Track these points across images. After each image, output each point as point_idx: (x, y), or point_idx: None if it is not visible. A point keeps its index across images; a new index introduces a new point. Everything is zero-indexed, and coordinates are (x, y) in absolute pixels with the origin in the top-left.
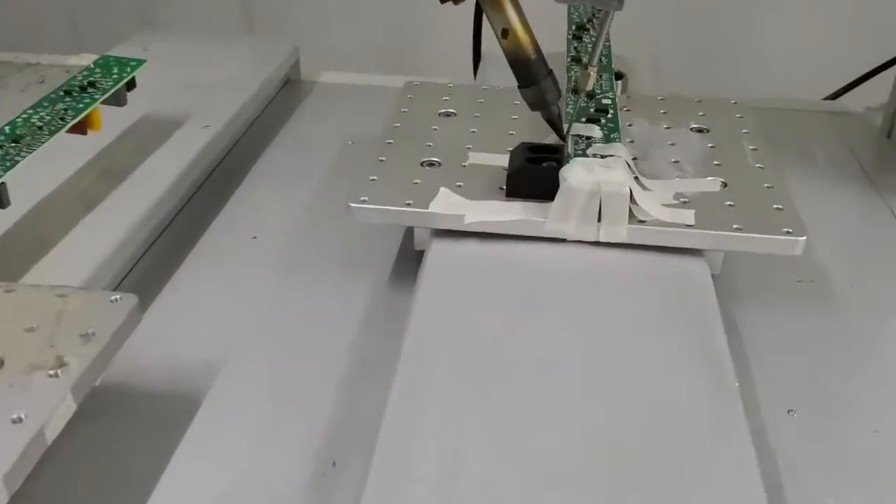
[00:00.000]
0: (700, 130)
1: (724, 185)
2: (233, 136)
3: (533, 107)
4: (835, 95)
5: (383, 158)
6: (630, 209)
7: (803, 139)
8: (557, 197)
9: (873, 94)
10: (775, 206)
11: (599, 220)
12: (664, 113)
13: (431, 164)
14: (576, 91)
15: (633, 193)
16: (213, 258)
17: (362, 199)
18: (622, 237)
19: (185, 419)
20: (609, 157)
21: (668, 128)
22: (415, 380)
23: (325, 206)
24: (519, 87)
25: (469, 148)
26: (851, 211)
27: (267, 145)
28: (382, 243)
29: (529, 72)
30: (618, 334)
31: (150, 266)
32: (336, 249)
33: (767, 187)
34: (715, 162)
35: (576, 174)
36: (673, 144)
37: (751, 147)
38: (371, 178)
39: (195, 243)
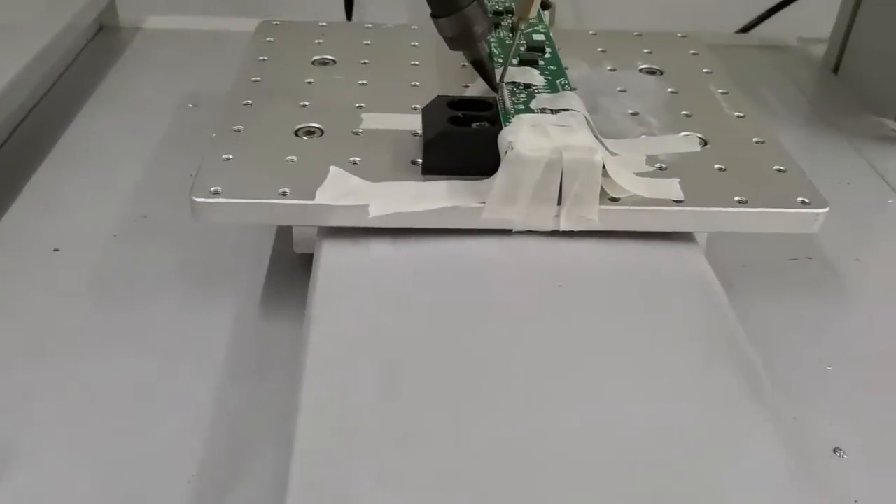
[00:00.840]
0: (652, 72)
1: (704, 142)
2: (21, 105)
3: (454, 44)
4: (747, 28)
5: (240, 127)
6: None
7: (743, 78)
8: (500, 172)
9: (785, 24)
10: (775, 167)
11: (559, 201)
12: (602, 51)
13: (310, 131)
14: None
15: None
16: None
17: (213, 189)
18: (591, 223)
19: None
20: (563, 112)
21: (612, 70)
22: (318, 461)
23: (160, 199)
24: (434, 16)
25: (360, 107)
26: (824, 164)
27: (73, 115)
28: (245, 247)
29: None
30: (606, 364)
31: None
32: (178, 262)
33: (757, 142)
34: (683, 112)
35: (525, 138)
36: (624, 91)
37: (720, 91)
38: (224, 156)
39: None
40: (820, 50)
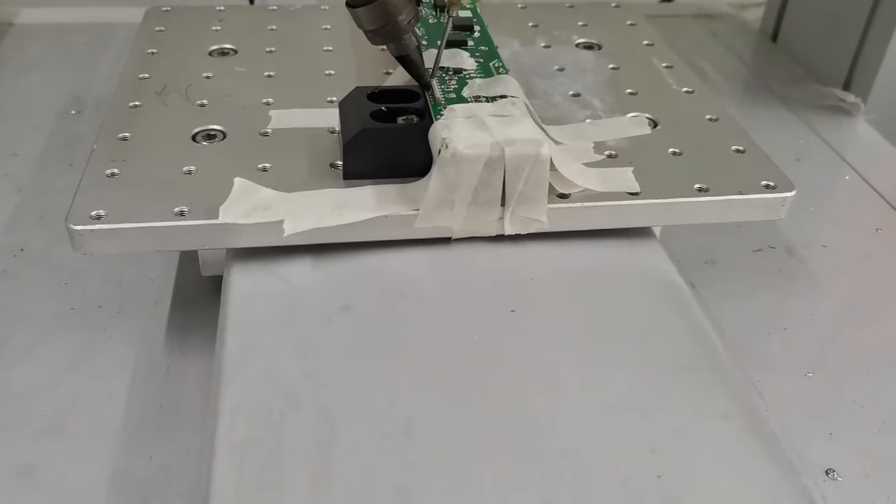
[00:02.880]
0: (590, 47)
1: (654, 123)
2: None
3: (376, 38)
4: None
5: (126, 135)
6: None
7: (677, 49)
8: (434, 173)
9: None
10: (733, 147)
11: (503, 202)
12: (534, 26)
13: (211, 135)
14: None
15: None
16: None
17: (94, 214)
18: (540, 225)
19: None
20: (501, 100)
21: (546, 46)
22: None
23: (41, 227)
24: (350, 5)
25: (268, 103)
26: (772, 139)
27: None
28: (145, 275)
29: None
30: (572, 402)
31: None
32: (64, 303)
33: (710, 120)
34: (627, 90)
35: (460, 133)
36: (562, 70)
37: (664, 64)
38: (108, 171)
39: None
40: (754, 15)
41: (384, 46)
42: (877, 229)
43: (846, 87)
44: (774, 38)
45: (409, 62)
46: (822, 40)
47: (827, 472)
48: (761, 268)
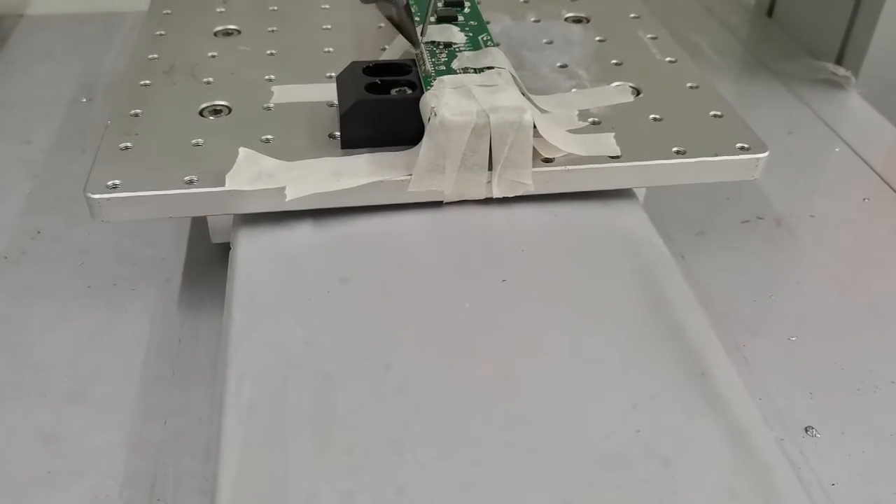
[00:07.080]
0: (578, 20)
1: (637, 91)
2: None
3: None
4: None
5: (138, 111)
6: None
7: (672, 25)
8: (424, 140)
9: None
10: (711, 112)
11: (490, 167)
12: (525, 2)
13: (217, 110)
14: None
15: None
16: None
17: (111, 183)
18: (526, 188)
19: None
20: (488, 71)
21: (536, 21)
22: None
23: (56, 210)
24: None
25: (270, 79)
26: (764, 113)
27: None
28: (156, 253)
29: None
30: (556, 349)
31: None
32: (82, 281)
33: (691, 87)
34: (613, 61)
35: (448, 102)
36: (550, 43)
37: (649, 36)
38: (122, 144)
39: None
40: None
41: (380, 21)
42: (864, 199)
43: (839, 61)
44: (770, 12)
45: (398, 23)
46: (815, 15)
47: (806, 430)
48: (750, 238)
